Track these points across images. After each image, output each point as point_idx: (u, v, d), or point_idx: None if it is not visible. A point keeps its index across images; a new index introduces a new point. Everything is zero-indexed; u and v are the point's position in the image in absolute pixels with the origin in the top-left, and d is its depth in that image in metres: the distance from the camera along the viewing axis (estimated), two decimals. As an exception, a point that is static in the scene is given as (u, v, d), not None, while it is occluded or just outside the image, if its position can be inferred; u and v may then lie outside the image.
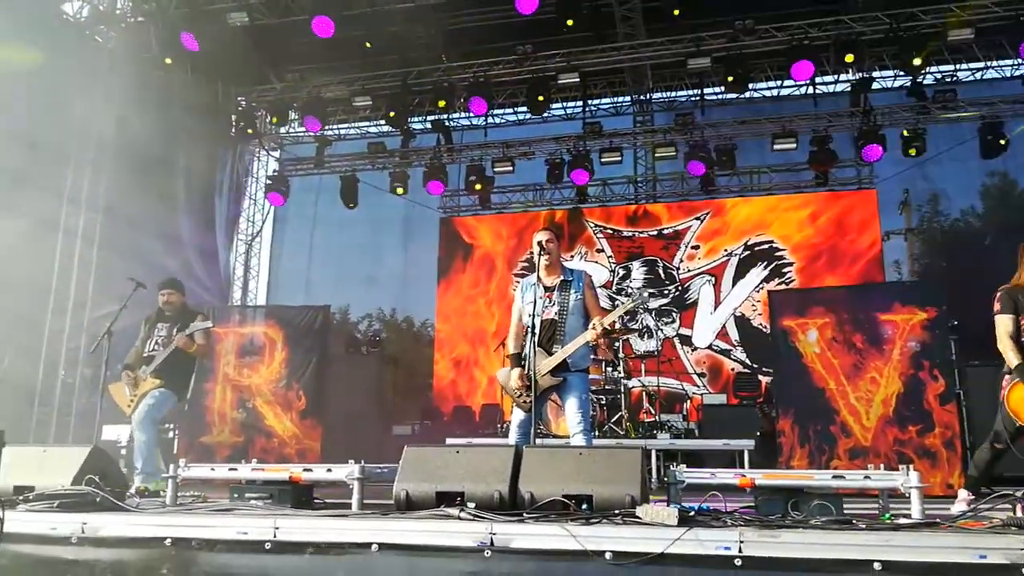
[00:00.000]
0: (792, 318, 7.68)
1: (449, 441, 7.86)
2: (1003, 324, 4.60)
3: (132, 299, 6.17)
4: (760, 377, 11.43)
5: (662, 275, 13.16)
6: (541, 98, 11.23)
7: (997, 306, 4.65)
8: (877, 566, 2.72)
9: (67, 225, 9.66)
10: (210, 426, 8.96)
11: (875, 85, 11.70)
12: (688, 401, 10.86)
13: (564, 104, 13.40)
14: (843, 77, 11.90)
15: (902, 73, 11.42)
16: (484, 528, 3.07)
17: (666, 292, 13.04)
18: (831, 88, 12.22)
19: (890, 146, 11.19)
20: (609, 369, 9.24)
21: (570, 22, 9.67)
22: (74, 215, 9.73)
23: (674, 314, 12.94)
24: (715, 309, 12.82)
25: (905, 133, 11.28)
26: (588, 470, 3.46)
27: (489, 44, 11.67)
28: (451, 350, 13.84)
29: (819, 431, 7.39)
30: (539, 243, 4.85)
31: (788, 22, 10.37)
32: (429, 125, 13.47)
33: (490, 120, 13.45)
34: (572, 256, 13.44)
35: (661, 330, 12.72)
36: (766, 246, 12.83)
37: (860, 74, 11.26)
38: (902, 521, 3.29)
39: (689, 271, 13.06)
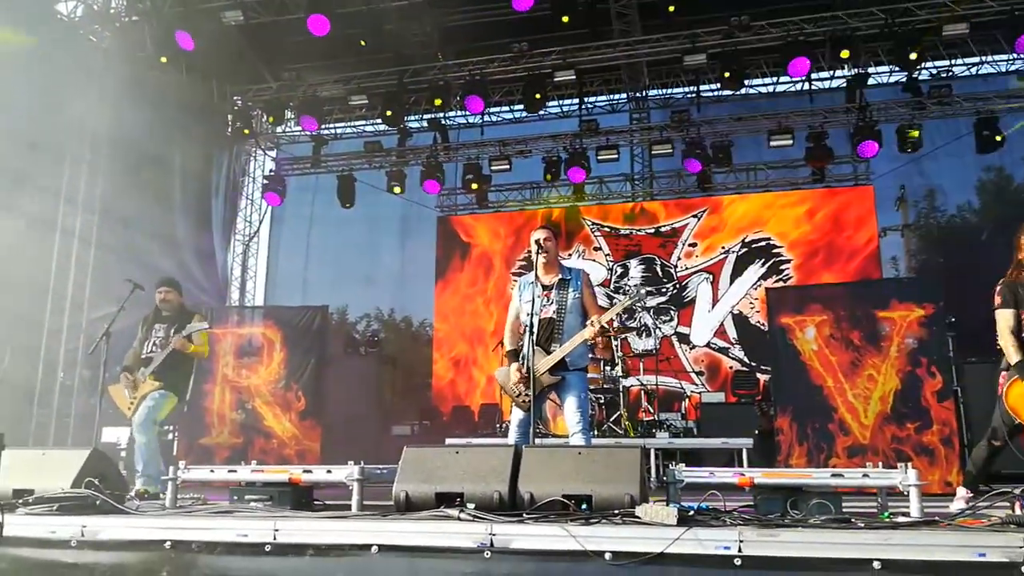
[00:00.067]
0: (790, 315, 7.70)
1: (448, 441, 7.88)
2: (1004, 319, 4.46)
3: (129, 300, 6.16)
4: (758, 375, 11.46)
5: (660, 273, 13.17)
6: (538, 96, 11.21)
7: (998, 300, 4.52)
8: (876, 565, 2.72)
9: (64, 225, 9.65)
10: (209, 427, 8.96)
11: (870, 81, 11.72)
12: (686, 400, 10.89)
13: (560, 102, 13.39)
14: (839, 73, 11.90)
15: (897, 68, 11.42)
16: (484, 529, 3.08)
17: (664, 290, 13.05)
18: (827, 84, 12.25)
19: (886, 142, 11.20)
20: (608, 368, 9.24)
21: (566, 19, 9.67)
22: (71, 215, 9.71)
23: (672, 312, 12.96)
24: (713, 307, 12.84)
25: (909, 134, 11.25)
26: (587, 470, 3.46)
27: (485, 41, 11.65)
28: (450, 350, 13.84)
29: (817, 429, 7.41)
30: (537, 241, 4.84)
31: (783, 18, 10.38)
32: (425, 124, 13.45)
33: (486, 118, 13.46)
34: (570, 254, 13.44)
35: (659, 328, 12.73)
36: (763, 243, 12.85)
37: (856, 70, 11.28)
38: (901, 519, 3.30)
39: (687, 269, 13.07)
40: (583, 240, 13.65)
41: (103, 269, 9.59)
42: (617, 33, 11.26)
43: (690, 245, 13.14)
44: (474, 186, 13.16)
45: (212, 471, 4.65)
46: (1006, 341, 4.44)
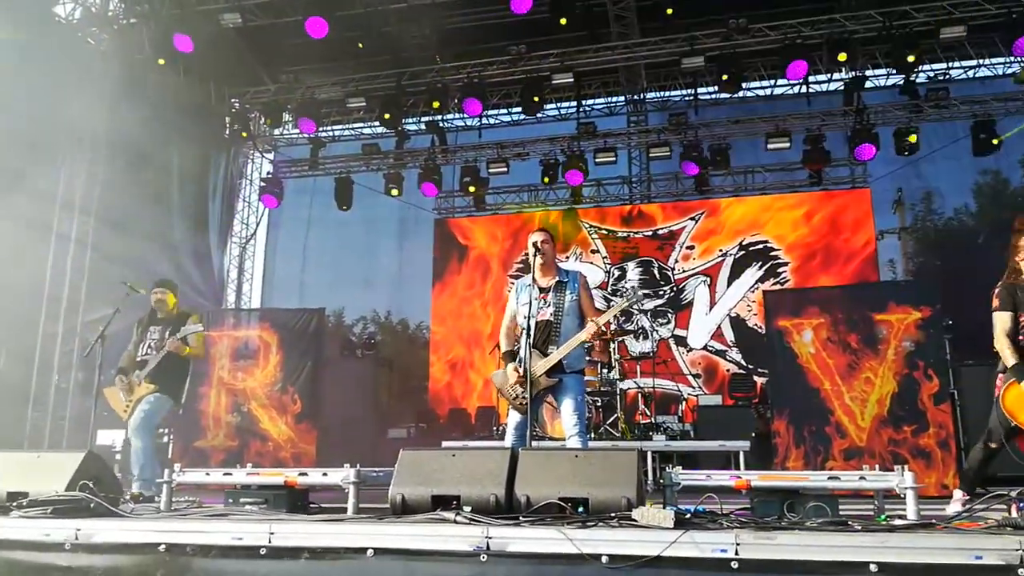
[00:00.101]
0: (787, 318, 7.69)
1: (445, 444, 7.87)
2: (1001, 321, 4.42)
3: (125, 302, 6.15)
4: (755, 378, 11.45)
5: (657, 276, 13.17)
6: (535, 98, 11.22)
7: (996, 302, 4.47)
8: (873, 567, 2.72)
9: (60, 227, 9.61)
10: (205, 430, 8.92)
11: (868, 84, 11.75)
12: (684, 402, 10.87)
13: (558, 104, 13.40)
14: (836, 76, 11.94)
15: (895, 71, 11.44)
16: (480, 532, 3.07)
17: (661, 293, 13.05)
18: (824, 87, 12.28)
19: (883, 145, 11.20)
20: (605, 371, 9.24)
21: (563, 21, 9.67)
22: (67, 217, 9.68)
23: (669, 315, 12.95)
24: (710, 310, 12.84)
25: (907, 138, 11.24)
26: (584, 473, 3.45)
27: (483, 44, 11.66)
28: (446, 352, 13.82)
29: (814, 432, 7.39)
30: (534, 244, 4.84)
31: (781, 21, 10.40)
32: (423, 126, 13.43)
33: (484, 121, 13.45)
34: (567, 257, 13.44)
35: (656, 331, 12.72)
36: (761, 246, 12.86)
37: (853, 73, 11.31)
38: (898, 522, 3.29)
39: (684, 271, 13.07)
40: (580, 243, 13.65)
41: (99, 271, 9.56)
42: (615, 36, 11.28)
43: (687, 248, 13.15)
44: (471, 189, 13.15)
45: (207, 474, 4.65)
46: (1002, 344, 4.41)
